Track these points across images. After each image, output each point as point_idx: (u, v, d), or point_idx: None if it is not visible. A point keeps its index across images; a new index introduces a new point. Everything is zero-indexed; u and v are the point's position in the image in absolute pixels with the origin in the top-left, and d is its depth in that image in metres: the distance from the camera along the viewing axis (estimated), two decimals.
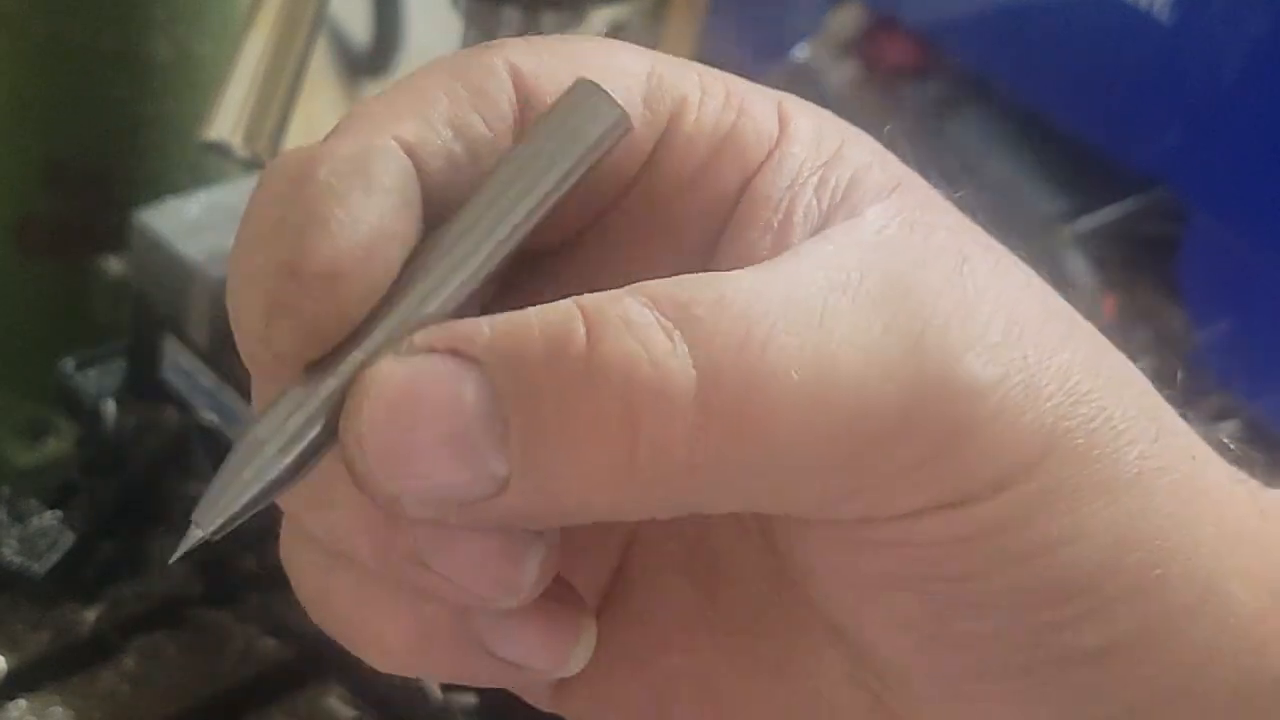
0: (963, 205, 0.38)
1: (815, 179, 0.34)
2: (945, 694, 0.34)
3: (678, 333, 0.29)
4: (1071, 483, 0.33)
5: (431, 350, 0.30)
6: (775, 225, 0.33)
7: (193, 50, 0.99)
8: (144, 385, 0.90)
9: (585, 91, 0.33)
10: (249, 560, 0.83)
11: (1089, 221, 1.18)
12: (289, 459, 0.34)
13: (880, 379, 0.31)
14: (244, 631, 0.82)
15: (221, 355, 0.85)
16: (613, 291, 0.30)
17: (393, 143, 0.32)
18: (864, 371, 0.30)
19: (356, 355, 0.32)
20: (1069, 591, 0.33)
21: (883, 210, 0.34)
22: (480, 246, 0.32)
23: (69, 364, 0.92)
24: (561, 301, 0.30)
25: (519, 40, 0.34)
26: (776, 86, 0.38)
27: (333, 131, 0.33)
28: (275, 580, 0.83)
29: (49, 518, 0.83)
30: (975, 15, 1.27)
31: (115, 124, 0.99)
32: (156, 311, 0.88)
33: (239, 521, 0.35)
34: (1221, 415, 1.17)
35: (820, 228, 0.33)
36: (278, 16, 0.79)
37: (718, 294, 0.30)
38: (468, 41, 0.81)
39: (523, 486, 0.30)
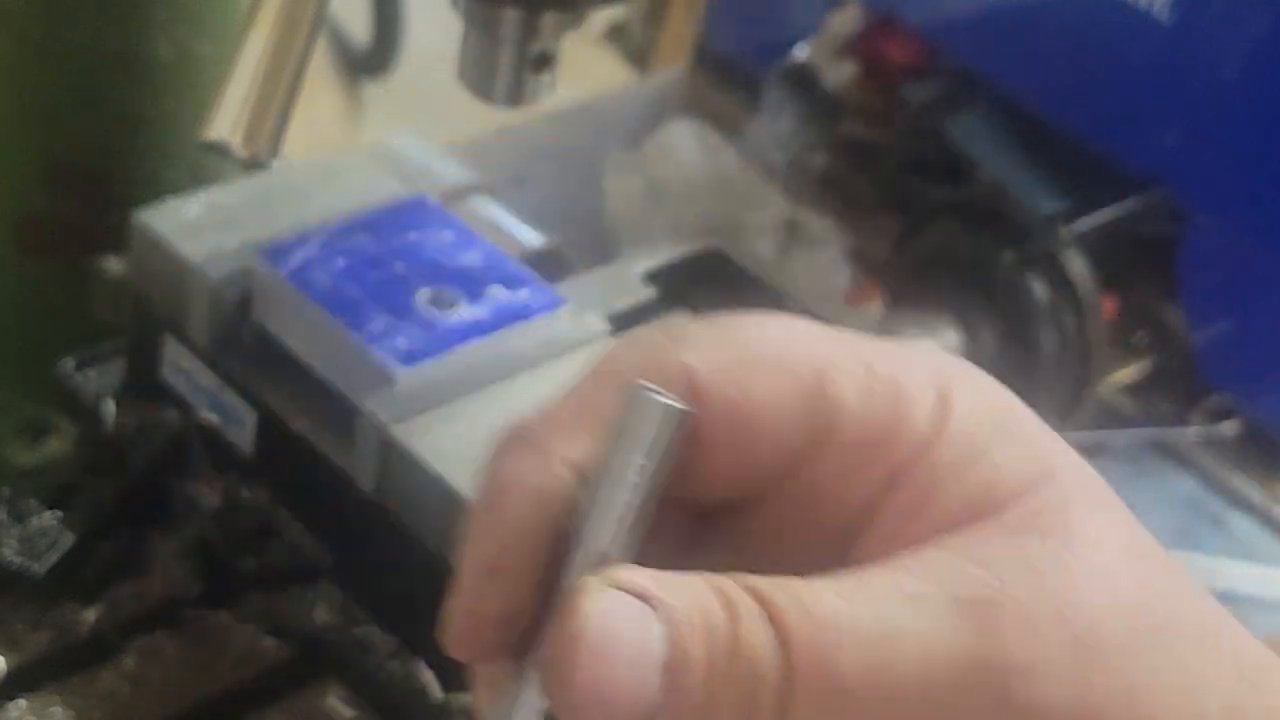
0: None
1: (955, 483, 0.39)
2: None
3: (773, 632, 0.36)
4: None
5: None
6: (909, 522, 0.39)
7: (193, 50, 0.99)
8: (143, 385, 0.90)
9: (640, 399, 0.40)
10: (248, 561, 0.83)
11: (1089, 222, 1.18)
12: None
13: (942, 694, 0.36)
14: (243, 632, 0.82)
15: (221, 355, 0.85)
16: (738, 585, 0.37)
17: (564, 474, 0.41)
18: (923, 687, 0.36)
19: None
20: None
21: (1007, 523, 0.38)
22: (588, 564, 0.39)
23: (69, 364, 0.92)
24: (712, 590, 0.37)
25: (694, 332, 0.41)
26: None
27: (518, 439, 0.43)
28: (274, 581, 0.83)
29: (49, 518, 0.83)
30: (974, 15, 1.27)
31: (115, 124, 0.99)
32: (156, 311, 0.88)
33: None
34: (1221, 415, 1.17)
35: (953, 526, 0.38)
36: (278, 17, 0.80)
37: (803, 609, 0.36)
38: (467, 43, 0.81)
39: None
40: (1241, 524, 1.14)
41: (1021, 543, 0.37)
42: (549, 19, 0.79)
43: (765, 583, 0.37)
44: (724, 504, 0.41)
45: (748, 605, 0.36)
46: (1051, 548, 0.37)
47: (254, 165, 0.81)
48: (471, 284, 0.85)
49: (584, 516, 0.40)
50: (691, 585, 0.37)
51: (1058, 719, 0.36)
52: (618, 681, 0.36)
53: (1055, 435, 0.40)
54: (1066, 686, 0.36)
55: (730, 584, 0.37)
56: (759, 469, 0.40)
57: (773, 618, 0.36)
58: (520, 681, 0.39)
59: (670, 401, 0.39)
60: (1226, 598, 0.47)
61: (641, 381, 0.39)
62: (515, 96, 0.81)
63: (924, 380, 0.40)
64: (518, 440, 0.43)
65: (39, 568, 0.81)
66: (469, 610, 0.42)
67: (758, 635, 0.36)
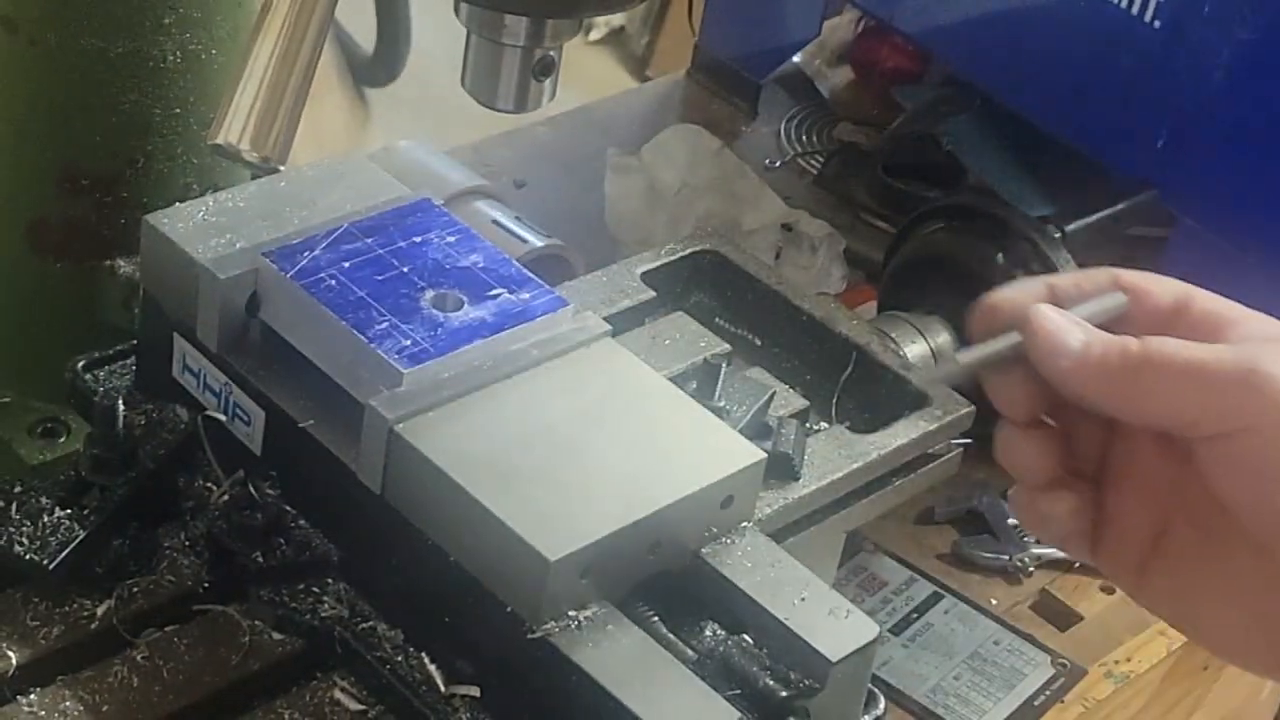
0: None
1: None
2: None
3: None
4: None
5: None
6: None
7: (202, 56, 1.00)
8: (153, 384, 0.90)
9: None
10: (256, 556, 0.84)
11: (1078, 224, 1.19)
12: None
13: (1216, 360, 0.66)
14: (251, 626, 0.83)
15: (229, 355, 0.86)
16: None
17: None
18: (1213, 358, 0.66)
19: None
20: None
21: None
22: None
23: (80, 364, 0.92)
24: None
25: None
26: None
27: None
28: (282, 576, 0.84)
29: (60, 515, 0.84)
30: (967, 22, 1.28)
31: (125, 128, 0.99)
32: (166, 312, 0.89)
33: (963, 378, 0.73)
34: None
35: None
36: (285, 23, 0.80)
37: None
38: (472, 49, 0.82)
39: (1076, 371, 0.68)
40: None
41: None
42: (552, 26, 0.80)
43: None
44: None
45: (1127, 337, 0.68)
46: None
47: (262, 169, 0.81)
48: (475, 285, 0.86)
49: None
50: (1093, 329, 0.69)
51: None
52: (1053, 328, 0.68)
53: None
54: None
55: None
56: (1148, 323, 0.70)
57: (1141, 339, 0.67)
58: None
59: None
60: None
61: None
62: (518, 102, 0.82)
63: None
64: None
65: (50, 564, 0.82)
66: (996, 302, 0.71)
67: (1131, 341, 0.67)
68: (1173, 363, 0.66)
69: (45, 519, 0.83)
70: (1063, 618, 1.20)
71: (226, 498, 0.85)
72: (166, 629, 0.82)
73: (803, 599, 0.80)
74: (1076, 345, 0.67)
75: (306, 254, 0.85)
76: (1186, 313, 0.70)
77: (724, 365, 0.96)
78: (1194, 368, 0.66)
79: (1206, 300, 0.70)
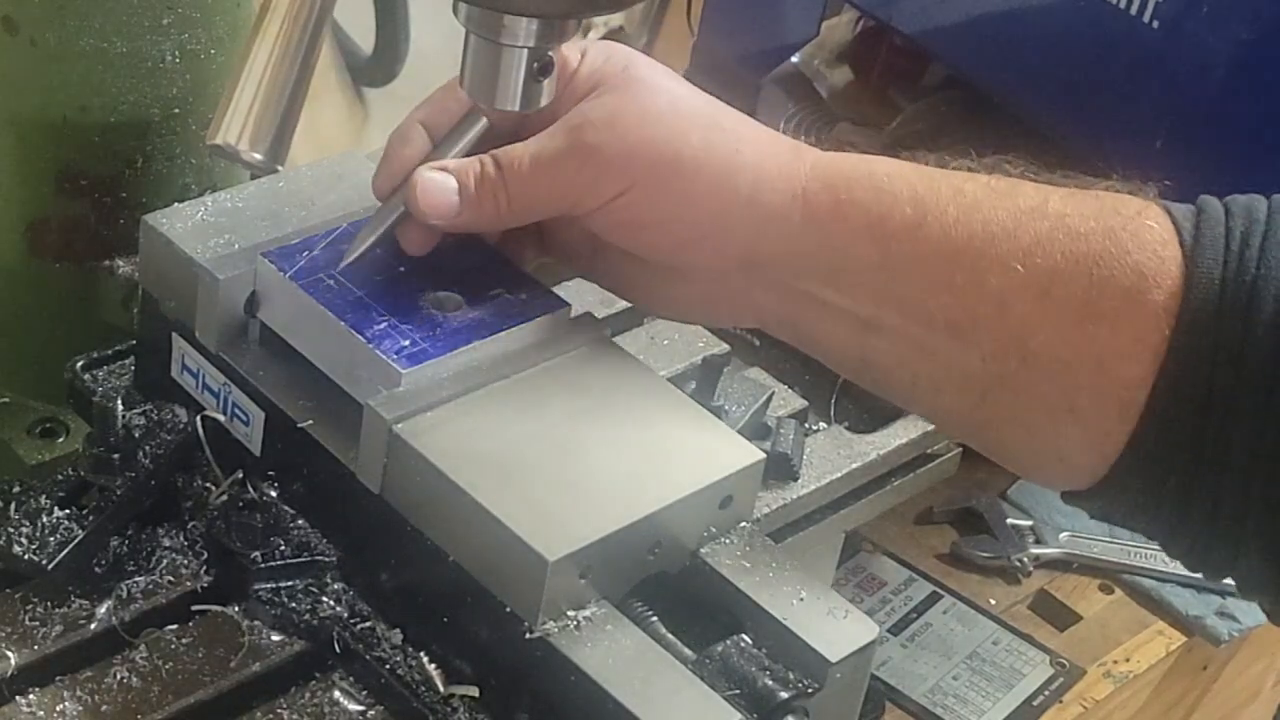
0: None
1: (582, 84, 0.82)
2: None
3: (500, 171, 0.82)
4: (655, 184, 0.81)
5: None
6: (560, 113, 0.83)
7: (200, 56, 1.00)
8: (152, 385, 0.91)
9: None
10: (256, 557, 0.83)
11: None
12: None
13: (554, 152, 0.81)
14: (251, 626, 0.83)
15: (228, 355, 0.86)
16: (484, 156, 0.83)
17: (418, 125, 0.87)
18: (551, 151, 0.81)
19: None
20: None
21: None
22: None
23: (79, 364, 0.93)
24: (485, 164, 0.83)
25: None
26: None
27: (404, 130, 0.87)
28: (282, 576, 0.84)
29: (59, 515, 0.84)
30: (967, 22, 1.28)
31: (125, 128, 0.99)
32: (165, 312, 0.89)
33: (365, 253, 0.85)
34: None
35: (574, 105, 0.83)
36: (284, 24, 0.80)
37: (506, 152, 0.82)
38: (471, 49, 0.82)
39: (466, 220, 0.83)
40: None
41: (608, 87, 0.81)
42: (551, 26, 0.80)
43: (494, 151, 0.82)
44: (510, 135, 0.85)
45: (483, 158, 0.82)
46: (626, 84, 0.81)
47: (261, 169, 0.81)
48: (474, 285, 0.86)
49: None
50: (462, 161, 0.83)
51: (620, 163, 0.80)
52: (431, 198, 0.82)
53: (637, 53, 0.82)
54: (622, 143, 0.79)
55: (481, 156, 0.82)
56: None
57: (493, 157, 0.82)
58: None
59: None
60: None
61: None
62: (518, 102, 0.82)
63: (576, 49, 0.83)
64: (404, 129, 0.86)
65: (49, 564, 0.82)
66: (378, 188, 0.86)
67: (487, 163, 0.81)
68: (521, 168, 0.80)
69: (44, 519, 0.83)
70: (1061, 617, 1.20)
71: (226, 498, 0.85)
72: (166, 629, 0.82)
73: (801, 599, 0.80)
74: (453, 202, 0.81)
75: (305, 254, 0.85)
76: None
77: (723, 365, 0.96)
78: (540, 166, 0.79)
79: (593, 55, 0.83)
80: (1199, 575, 0.85)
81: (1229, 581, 1.17)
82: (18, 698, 0.79)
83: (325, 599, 0.83)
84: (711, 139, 0.80)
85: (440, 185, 0.81)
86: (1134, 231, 0.76)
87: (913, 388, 0.81)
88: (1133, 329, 0.74)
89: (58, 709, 0.78)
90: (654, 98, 0.81)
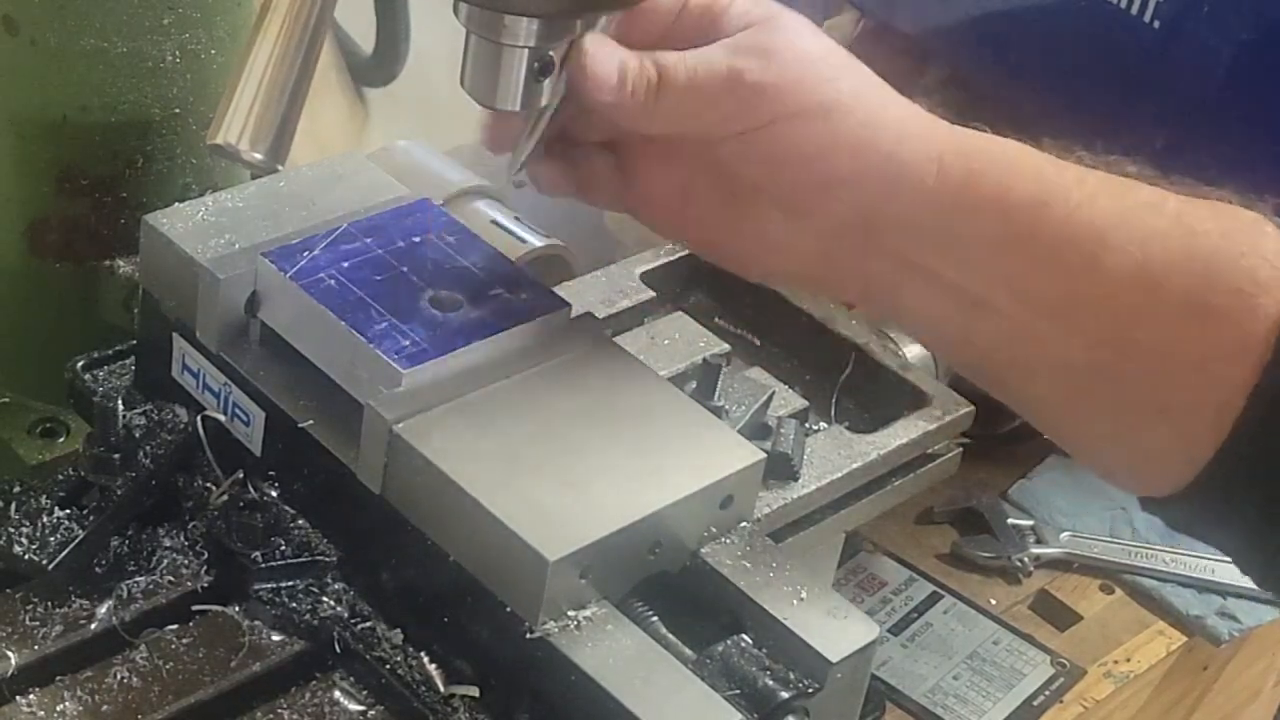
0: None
1: (734, 18, 0.82)
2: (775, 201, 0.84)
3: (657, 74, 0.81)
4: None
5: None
6: (713, 37, 0.82)
7: (201, 56, 1.00)
8: (153, 385, 0.91)
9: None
10: (256, 556, 0.83)
11: None
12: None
13: (710, 70, 0.80)
14: (251, 626, 0.83)
15: (229, 355, 0.86)
16: (645, 55, 0.82)
17: None
18: (707, 68, 0.81)
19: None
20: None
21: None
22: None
23: (80, 364, 0.93)
24: (635, 55, 0.82)
25: None
26: None
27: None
28: (282, 576, 0.84)
29: (60, 515, 0.84)
30: (966, 22, 1.28)
31: (125, 128, 1.00)
32: (165, 312, 0.89)
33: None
34: None
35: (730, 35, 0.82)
36: (285, 24, 0.80)
37: (663, 59, 0.81)
38: (471, 49, 0.82)
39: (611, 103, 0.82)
40: None
41: (763, 27, 0.81)
42: (552, 26, 0.80)
43: (651, 52, 0.81)
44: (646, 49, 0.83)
45: (642, 55, 0.81)
46: (783, 28, 0.81)
47: (261, 169, 0.81)
48: (474, 285, 0.86)
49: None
50: (627, 53, 0.81)
51: (773, 93, 0.80)
52: (598, 70, 0.81)
53: (782, 5, 0.83)
54: (777, 75, 0.80)
55: (644, 54, 0.81)
56: (657, 24, 0.83)
57: (652, 58, 0.81)
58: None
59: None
60: None
61: None
62: (518, 101, 0.82)
63: None
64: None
65: (49, 564, 0.82)
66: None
67: (646, 62, 0.81)
68: (678, 77, 0.80)
69: (45, 519, 0.83)
70: (1062, 617, 1.20)
71: (226, 498, 0.85)
72: (166, 629, 0.82)
73: (802, 599, 0.80)
74: (613, 77, 0.80)
75: (306, 254, 0.86)
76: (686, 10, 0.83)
77: (723, 365, 0.96)
78: (695, 80, 0.80)
79: None
80: (1271, 593, 0.84)
81: (1230, 582, 1.17)
82: (18, 698, 0.79)
83: (326, 599, 0.83)
84: (861, 89, 0.81)
85: (609, 55, 0.80)
86: (1250, 237, 0.76)
87: (1008, 370, 0.82)
88: (1239, 332, 0.74)
89: (58, 709, 0.78)
90: (808, 42, 0.82)
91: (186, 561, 0.85)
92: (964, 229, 0.80)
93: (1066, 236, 0.78)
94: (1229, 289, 0.74)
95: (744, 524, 0.83)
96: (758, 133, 0.80)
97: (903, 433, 1.00)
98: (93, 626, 0.82)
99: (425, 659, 0.81)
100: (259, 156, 0.80)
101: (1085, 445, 0.83)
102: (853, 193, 0.81)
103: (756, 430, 0.95)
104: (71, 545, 0.82)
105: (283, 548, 0.84)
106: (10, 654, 0.79)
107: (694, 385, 0.95)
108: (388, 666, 0.81)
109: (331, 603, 0.83)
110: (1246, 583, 1.07)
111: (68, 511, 0.84)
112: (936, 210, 0.80)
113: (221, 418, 0.87)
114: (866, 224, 0.81)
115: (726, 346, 1.01)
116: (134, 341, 0.93)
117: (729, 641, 0.79)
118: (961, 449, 1.05)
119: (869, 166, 0.80)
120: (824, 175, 0.81)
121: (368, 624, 0.82)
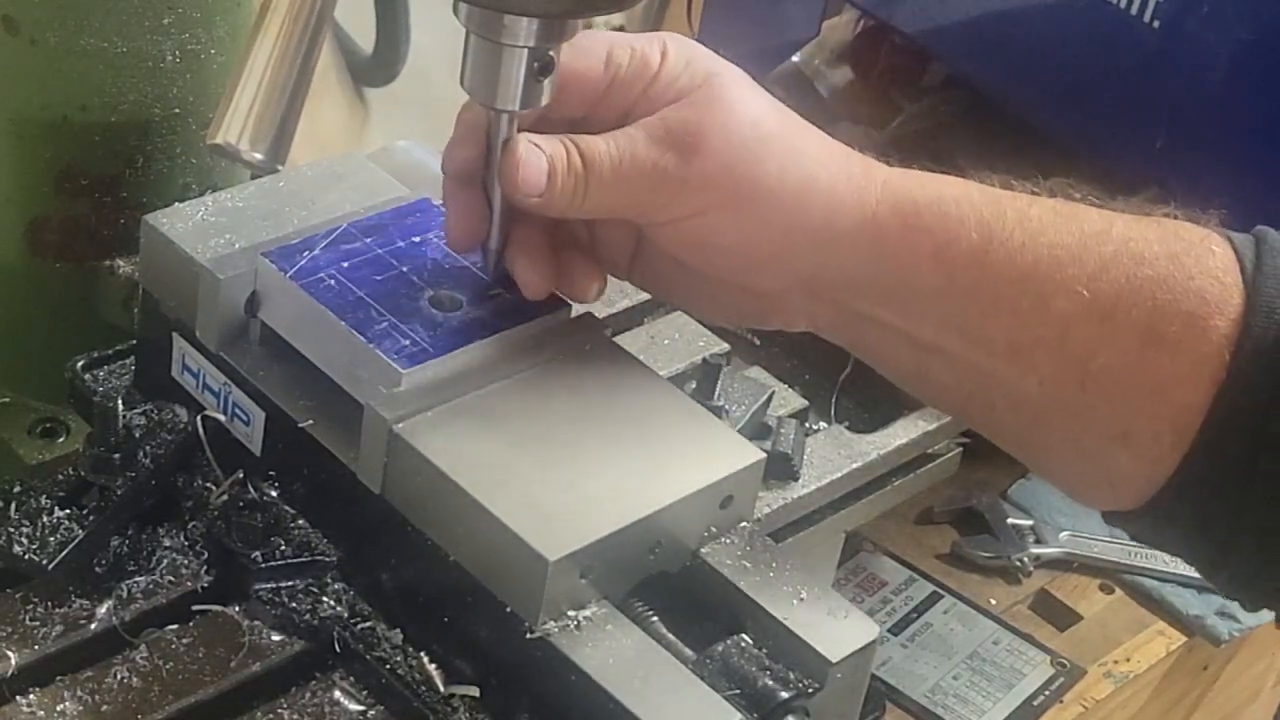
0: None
1: (665, 88, 0.82)
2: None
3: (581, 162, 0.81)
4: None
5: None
6: (644, 112, 0.82)
7: (201, 56, 1.00)
8: (153, 384, 0.91)
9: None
10: (256, 556, 0.83)
11: None
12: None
13: (635, 163, 0.81)
14: (251, 626, 0.83)
15: (229, 355, 0.86)
16: (569, 139, 0.82)
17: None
18: (631, 161, 0.81)
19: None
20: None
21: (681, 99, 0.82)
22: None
23: (79, 364, 0.93)
24: (559, 142, 0.82)
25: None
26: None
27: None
28: (282, 576, 0.84)
29: (59, 515, 0.84)
30: (967, 22, 1.28)
31: (125, 128, 1.00)
32: (165, 312, 0.89)
33: None
34: None
35: (662, 108, 0.82)
36: (285, 24, 0.80)
37: (589, 144, 0.81)
38: (471, 49, 0.82)
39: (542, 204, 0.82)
40: None
41: (690, 101, 0.81)
42: (552, 26, 0.80)
43: (578, 138, 0.81)
44: (575, 120, 0.84)
45: (569, 145, 0.81)
46: (710, 101, 0.81)
47: (261, 169, 0.81)
48: (474, 285, 0.86)
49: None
50: (553, 140, 0.81)
51: (697, 186, 0.80)
52: (528, 176, 0.81)
53: (717, 57, 0.83)
54: (701, 169, 0.80)
55: (567, 140, 0.81)
56: (587, 95, 0.83)
57: (579, 148, 0.81)
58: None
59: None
60: None
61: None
62: (518, 102, 0.82)
63: (657, 46, 0.82)
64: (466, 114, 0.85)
65: (49, 563, 0.82)
66: (451, 159, 0.85)
67: (574, 155, 0.81)
68: (603, 171, 0.80)
69: (45, 519, 0.83)
70: (1062, 617, 1.20)
71: (226, 498, 0.85)
72: (166, 629, 0.82)
73: (802, 599, 0.80)
74: (542, 183, 0.80)
75: (306, 254, 0.86)
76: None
77: (723, 365, 0.96)
78: (620, 175, 0.80)
79: (675, 55, 0.82)
80: (1236, 601, 0.85)
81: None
82: (18, 698, 0.79)
83: (325, 599, 0.83)
84: (788, 166, 0.80)
85: (537, 159, 0.80)
86: (1197, 257, 0.76)
87: (967, 405, 0.82)
88: (1193, 355, 0.74)
89: (58, 709, 0.78)
90: (737, 120, 0.80)
91: (186, 561, 0.85)
92: (904, 284, 0.80)
93: (1011, 279, 0.77)
94: (1180, 315, 0.74)
95: (744, 524, 0.83)
96: (686, 221, 0.81)
97: (902, 433, 1.00)
98: (93, 626, 0.82)
99: (425, 659, 0.81)
100: (259, 156, 0.79)
101: (1049, 469, 0.83)
102: (785, 265, 0.82)
103: (756, 430, 0.95)
104: (71, 545, 0.82)
105: (283, 548, 0.84)
106: (10, 654, 0.79)
107: (694, 385, 0.95)
108: (388, 666, 0.81)
109: (331, 603, 0.83)
110: None
111: (68, 511, 0.84)
112: (876, 269, 0.80)
113: (221, 418, 0.87)
114: (806, 286, 0.82)
115: (726, 346, 1.01)
116: (134, 341, 0.93)
117: (729, 641, 0.79)
118: (961, 449, 1.05)
119: (800, 244, 0.81)
120: (755, 257, 0.81)
121: (368, 624, 0.82)
